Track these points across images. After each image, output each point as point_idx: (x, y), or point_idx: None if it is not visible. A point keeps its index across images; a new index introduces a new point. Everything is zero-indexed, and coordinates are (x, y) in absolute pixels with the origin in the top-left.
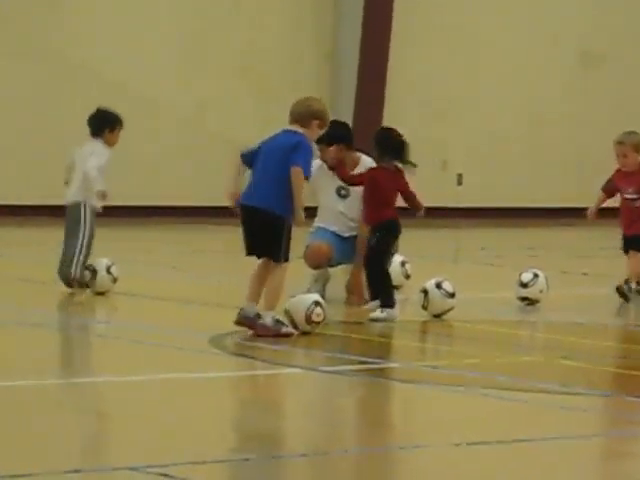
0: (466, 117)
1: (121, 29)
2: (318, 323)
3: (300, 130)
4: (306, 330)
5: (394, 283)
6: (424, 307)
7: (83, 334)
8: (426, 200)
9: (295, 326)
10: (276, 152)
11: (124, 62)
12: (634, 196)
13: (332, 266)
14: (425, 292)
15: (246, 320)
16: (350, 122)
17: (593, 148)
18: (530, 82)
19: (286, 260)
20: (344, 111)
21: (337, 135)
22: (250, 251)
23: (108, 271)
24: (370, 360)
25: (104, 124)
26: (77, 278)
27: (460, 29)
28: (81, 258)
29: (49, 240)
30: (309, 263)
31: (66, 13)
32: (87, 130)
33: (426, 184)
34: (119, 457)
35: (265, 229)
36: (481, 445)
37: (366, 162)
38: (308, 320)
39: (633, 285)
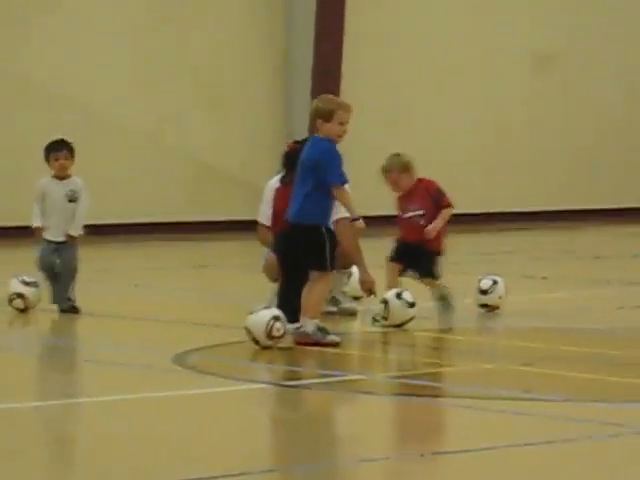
0: (417, 122)
1: (77, 47)
2: (279, 338)
3: (321, 134)
4: (267, 345)
5: (354, 294)
6: (385, 318)
7: (45, 354)
8: (383, 209)
9: (256, 342)
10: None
11: (79, 79)
12: (417, 212)
13: None
14: (385, 302)
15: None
16: (305, 128)
17: (547, 151)
18: (487, 87)
19: (333, 268)
20: (299, 118)
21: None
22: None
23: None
24: (333, 373)
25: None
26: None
27: (411, 34)
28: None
29: None
30: (268, 276)
31: (26, 31)
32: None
33: (375, 192)
34: (84, 477)
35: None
36: (445, 455)
37: None
38: (269, 335)
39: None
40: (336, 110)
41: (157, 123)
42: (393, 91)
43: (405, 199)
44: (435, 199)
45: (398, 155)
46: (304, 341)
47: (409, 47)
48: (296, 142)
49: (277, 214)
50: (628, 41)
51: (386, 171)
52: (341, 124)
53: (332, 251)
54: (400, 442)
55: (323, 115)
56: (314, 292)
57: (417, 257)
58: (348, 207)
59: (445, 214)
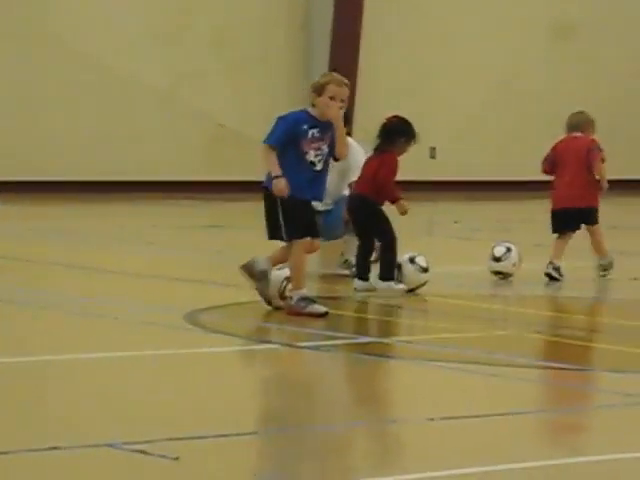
0: (439, 90)
1: (94, 6)
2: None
3: (316, 109)
4: (279, 306)
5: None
6: (397, 280)
7: (57, 310)
8: (399, 174)
9: (269, 302)
10: None
11: (98, 38)
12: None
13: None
14: (399, 267)
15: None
16: None
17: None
18: (503, 54)
19: (289, 237)
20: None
21: None
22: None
23: None
24: (345, 335)
25: None
26: None
27: (431, 7)
28: None
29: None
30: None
31: None
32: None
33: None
34: (97, 434)
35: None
36: (455, 419)
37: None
38: (281, 296)
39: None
40: (328, 84)
41: (177, 83)
42: (411, 58)
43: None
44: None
45: (582, 112)
46: (289, 312)
47: (428, 15)
48: (394, 116)
49: (363, 179)
50: None
51: (573, 128)
52: (331, 98)
53: (290, 219)
54: (409, 406)
55: (316, 89)
56: (289, 264)
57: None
58: (268, 166)
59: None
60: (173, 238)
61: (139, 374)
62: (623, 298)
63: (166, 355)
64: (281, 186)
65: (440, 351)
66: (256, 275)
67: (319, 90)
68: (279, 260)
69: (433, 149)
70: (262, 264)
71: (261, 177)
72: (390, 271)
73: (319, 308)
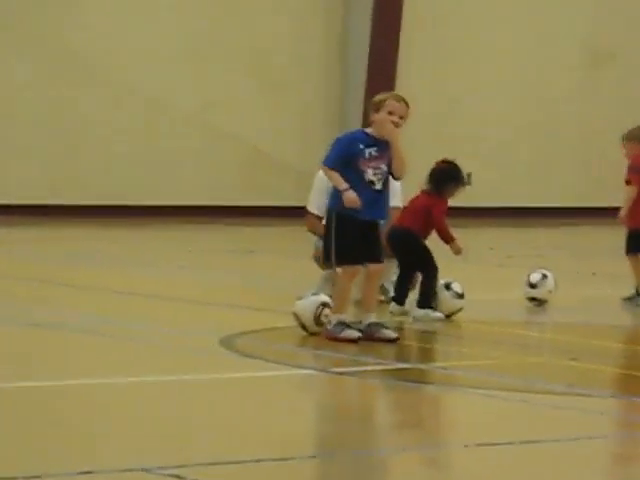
0: (473, 114)
1: (126, 27)
2: (327, 324)
3: (373, 127)
4: (315, 331)
5: None
6: (434, 308)
7: (94, 335)
8: None
9: (304, 328)
10: None
11: (130, 61)
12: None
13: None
14: (435, 293)
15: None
16: (360, 118)
17: (602, 147)
18: (539, 81)
19: (338, 263)
20: (354, 107)
21: None
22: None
23: None
24: (381, 361)
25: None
26: None
27: (469, 29)
28: None
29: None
30: (317, 264)
31: (75, 11)
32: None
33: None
34: (132, 458)
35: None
36: (490, 446)
37: None
38: (317, 321)
39: None
40: (386, 99)
41: (212, 106)
42: (446, 82)
43: (630, 171)
44: None
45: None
46: (326, 336)
47: (463, 38)
48: (444, 161)
49: (410, 212)
50: None
51: (626, 139)
52: (390, 113)
53: (336, 244)
54: (444, 432)
55: (374, 105)
56: (335, 288)
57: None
58: (333, 182)
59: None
60: (207, 262)
61: (174, 399)
62: None
63: (201, 380)
64: (352, 197)
65: (475, 377)
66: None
67: (377, 106)
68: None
69: (469, 175)
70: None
71: (295, 202)
72: (428, 299)
73: (352, 333)
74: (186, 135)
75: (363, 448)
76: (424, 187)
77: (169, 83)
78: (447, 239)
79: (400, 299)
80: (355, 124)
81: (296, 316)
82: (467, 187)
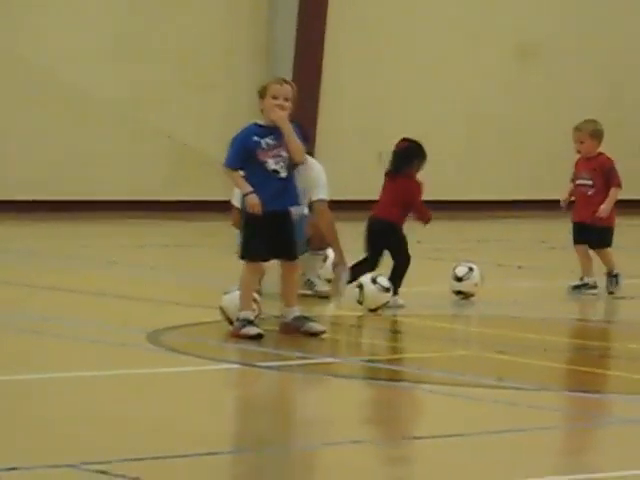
0: (401, 110)
1: (54, 24)
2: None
3: (263, 116)
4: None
5: (331, 277)
6: (360, 302)
7: (20, 331)
8: (361, 193)
9: (230, 322)
10: None
11: (56, 52)
12: (587, 182)
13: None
14: (360, 287)
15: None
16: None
17: (529, 141)
18: (466, 76)
19: (241, 257)
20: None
21: None
22: None
23: None
24: (306, 355)
25: None
26: None
27: (395, 22)
28: None
29: None
30: None
31: (1, 7)
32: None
33: (361, 176)
34: (56, 454)
35: None
36: (417, 440)
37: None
38: None
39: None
40: (268, 85)
41: (138, 103)
42: (374, 77)
43: (581, 165)
44: (606, 176)
45: (594, 121)
46: (230, 333)
47: (392, 33)
48: (404, 139)
49: (384, 203)
50: (612, 35)
51: (577, 129)
52: (274, 97)
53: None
54: (369, 426)
55: (259, 94)
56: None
57: (591, 231)
58: (236, 185)
59: (613, 194)
60: (135, 258)
61: (99, 394)
62: (584, 318)
63: (127, 375)
64: (254, 202)
65: (402, 371)
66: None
67: (261, 93)
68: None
69: (380, 154)
70: (290, 314)
71: (222, 196)
72: (396, 286)
73: (250, 330)
74: (115, 131)
75: (289, 442)
76: (388, 169)
77: (96, 79)
78: (426, 219)
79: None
80: None
81: (222, 310)
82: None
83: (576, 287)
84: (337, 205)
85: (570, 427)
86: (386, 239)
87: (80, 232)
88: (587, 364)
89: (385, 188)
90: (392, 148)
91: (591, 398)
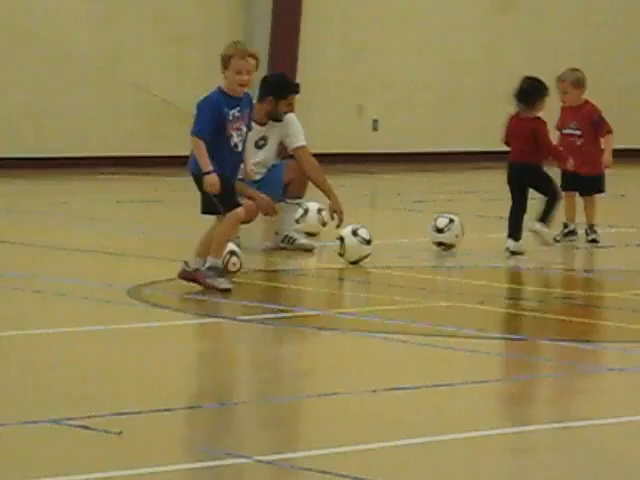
0: (381, 62)
1: None
2: (235, 272)
3: (224, 83)
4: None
5: (311, 230)
6: (341, 254)
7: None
8: (341, 146)
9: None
10: None
11: (35, 13)
12: (575, 132)
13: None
14: (341, 239)
15: (186, 274)
16: (265, 68)
17: (508, 91)
18: (445, 27)
19: (227, 209)
20: (259, 55)
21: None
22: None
23: None
24: (288, 308)
25: None
26: None
27: None
28: None
29: None
30: None
31: None
32: None
33: (341, 130)
34: (39, 410)
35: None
36: (399, 390)
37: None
38: (225, 269)
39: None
40: (231, 57)
41: (117, 57)
42: (353, 29)
43: (567, 114)
44: (595, 124)
45: (576, 70)
46: (195, 276)
47: None
48: (528, 78)
49: (521, 147)
50: None
51: (560, 79)
52: (238, 73)
53: (219, 195)
54: (353, 378)
55: (222, 62)
56: (218, 230)
57: (583, 180)
58: (198, 160)
59: (608, 142)
60: (114, 214)
61: (80, 350)
62: (565, 268)
63: (108, 330)
64: (213, 182)
65: (383, 323)
66: (196, 277)
67: (225, 63)
68: (207, 245)
69: (375, 121)
70: (194, 264)
71: None
72: (547, 217)
73: (223, 283)
74: (93, 86)
75: (271, 395)
76: (515, 110)
77: (74, 34)
78: (559, 157)
79: (518, 234)
80: (261, 72)
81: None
82: (374, 133)
83: (566, 235)
84: (317, 158)
85: (550, 376)
86: (530, 180)
87: (58, 189)
88: (566, 313)
89: (514, 131)
90: (514, 88)
91: (571, 347)
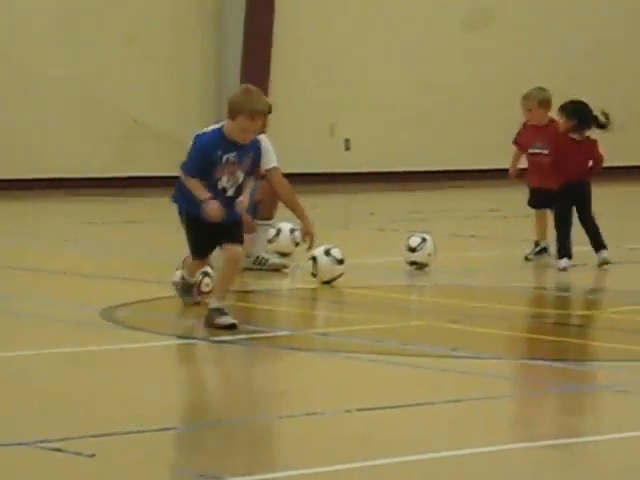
0: (353, 81)
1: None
2: (207, 293)
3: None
4: (196, 301)
5: (283, 250)
6: (313, 274)
7: None
8: (313, 166)
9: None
10: None
11: (5, 28)
12: (542, 151)
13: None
14: (314, 259)
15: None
16: (237, 85)
17: (481, 110)
18: (418, 45)
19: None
20: (231, 75)
21: None
22: None
23: None
24: (262, 329)
25: None
26: None
27: None
28: None
29: None
30: None
31: None
32: None
33: (313, 149)
34: (10, 433)
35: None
36: (372, 410)
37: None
38: (198, 291)
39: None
40: (240, 112)
41: (88, 77)
42: (328, 49)
43: (533, 132)
44: None
45: (543, 89)
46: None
47: (344, 2)
48: (574, 102)
49: (583, 167)
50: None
51: (525, 98)
52: (243, 131)
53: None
54: (326, 398)
55: (229, 109)
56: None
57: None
58: (193, 192)
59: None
60: (88, 235)
61: (54, 372)
62: (538, 286)
63: (81, 352)
64: (214, 207)
65: (356, 343)
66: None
67: (232, 113)
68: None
69: (347, 141)
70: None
71: (173, 172)
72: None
73: (227, 319)
74: (65, 107)
75: (245, 416)
76: (566, 130)
77: (45, 52)
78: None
79: (570, 253)
80: (233, 91)
81: (176, 286)
82: (347, 153)
83: (538, 253)
84: (289, 178)
85: (524, 395)
86: (587, 196)
87: (31, 210)
88: (541, 332)
89: (573, 154)
90: (558, 112)
91: (546, 366)
